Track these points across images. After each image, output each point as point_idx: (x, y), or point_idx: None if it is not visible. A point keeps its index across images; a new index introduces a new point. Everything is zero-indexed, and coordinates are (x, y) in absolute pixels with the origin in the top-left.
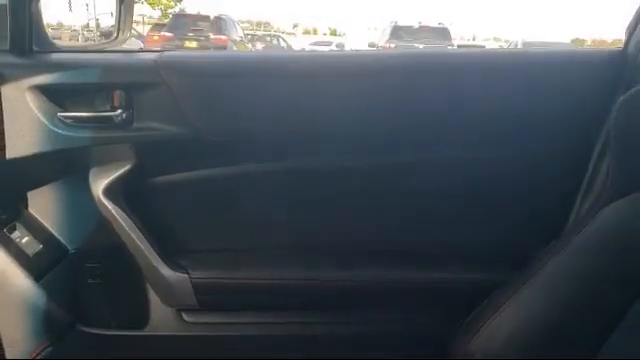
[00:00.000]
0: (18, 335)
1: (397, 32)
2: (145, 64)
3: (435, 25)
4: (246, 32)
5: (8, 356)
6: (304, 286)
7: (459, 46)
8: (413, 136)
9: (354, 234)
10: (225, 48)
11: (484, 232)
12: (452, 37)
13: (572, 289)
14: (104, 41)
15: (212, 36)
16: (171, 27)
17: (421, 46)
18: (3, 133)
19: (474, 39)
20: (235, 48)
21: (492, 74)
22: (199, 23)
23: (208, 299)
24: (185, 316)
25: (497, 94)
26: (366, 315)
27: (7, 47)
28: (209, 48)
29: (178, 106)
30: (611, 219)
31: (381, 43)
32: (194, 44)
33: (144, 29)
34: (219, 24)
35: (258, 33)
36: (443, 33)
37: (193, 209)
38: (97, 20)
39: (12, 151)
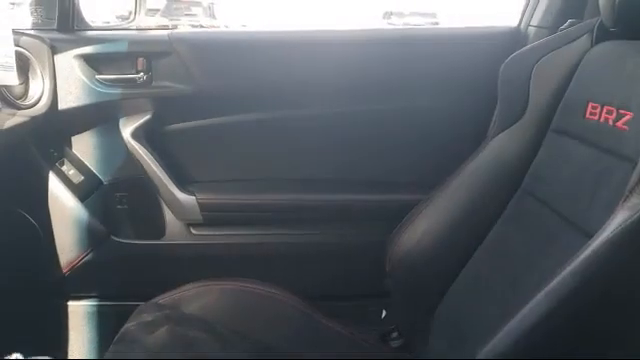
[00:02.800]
0: (68, 242)
1: (389, 18)
2: (161, 38)
3: (424, 11)
4: None
5: (61, 258)
6: (283, 205)
7: None
8: (365, 92)
9: (321, 166)
10: None
11: (417, 163)
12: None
13: (467, 196)
14: (123, 22)
15: (205, 22)
16: (164, 12)
17: None
18: (56, 90)
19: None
20: None
21: (428, 46)
22: (192, 8)
23: (210, 216)
24: (192, 229)
25: (430, 61)
26: (329, 227)
27: (55, 26)
28: None
29: (186, 69)
30: (493, 147)
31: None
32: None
33: None
34: (212, 10)
35: None
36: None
37: (199, 148)
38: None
39: (62, 104)
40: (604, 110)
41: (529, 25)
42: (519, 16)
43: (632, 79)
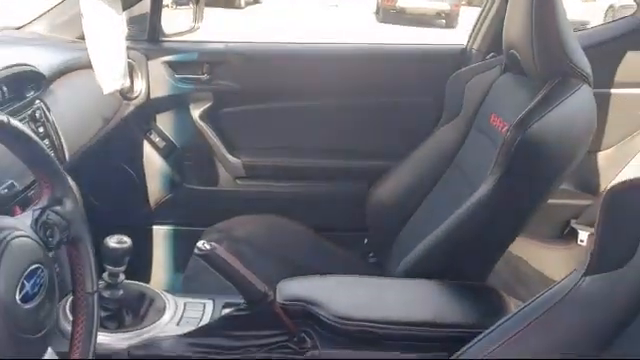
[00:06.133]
0: (155, 186)
1: None
2: (219, 50)
3: None
4: None
5: (150, 198)
6: (300, 166)
7: None
8: (355, 90)
9: (325, 140)
10: None
11: (390, 141)
12: None
13: (421, 166)
14: (186, 29)
15: None
16: None
17: None
18: (149, 86)
19: None
20: None
21: (400, 59)
22: None
23: (250, 172)
24: (238, 181)
25: (402, 70)
26: (331, 182)
27: (145, 37)
28: None
29: (235, 71)
30: (439, 135)
31: None
32: None
33: None
34: None
35: None
36: None
37: (244, 125)
38: None
39: (153, 94)
40: (498, 120)
41: (472, 48)
42: (466, 40)
43: (512, 103)
